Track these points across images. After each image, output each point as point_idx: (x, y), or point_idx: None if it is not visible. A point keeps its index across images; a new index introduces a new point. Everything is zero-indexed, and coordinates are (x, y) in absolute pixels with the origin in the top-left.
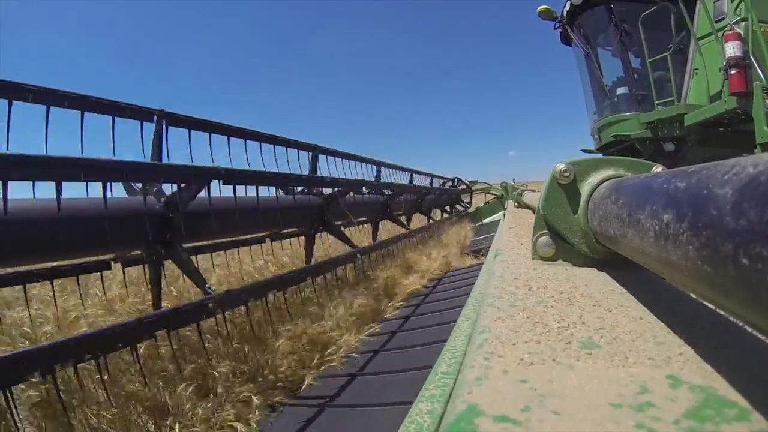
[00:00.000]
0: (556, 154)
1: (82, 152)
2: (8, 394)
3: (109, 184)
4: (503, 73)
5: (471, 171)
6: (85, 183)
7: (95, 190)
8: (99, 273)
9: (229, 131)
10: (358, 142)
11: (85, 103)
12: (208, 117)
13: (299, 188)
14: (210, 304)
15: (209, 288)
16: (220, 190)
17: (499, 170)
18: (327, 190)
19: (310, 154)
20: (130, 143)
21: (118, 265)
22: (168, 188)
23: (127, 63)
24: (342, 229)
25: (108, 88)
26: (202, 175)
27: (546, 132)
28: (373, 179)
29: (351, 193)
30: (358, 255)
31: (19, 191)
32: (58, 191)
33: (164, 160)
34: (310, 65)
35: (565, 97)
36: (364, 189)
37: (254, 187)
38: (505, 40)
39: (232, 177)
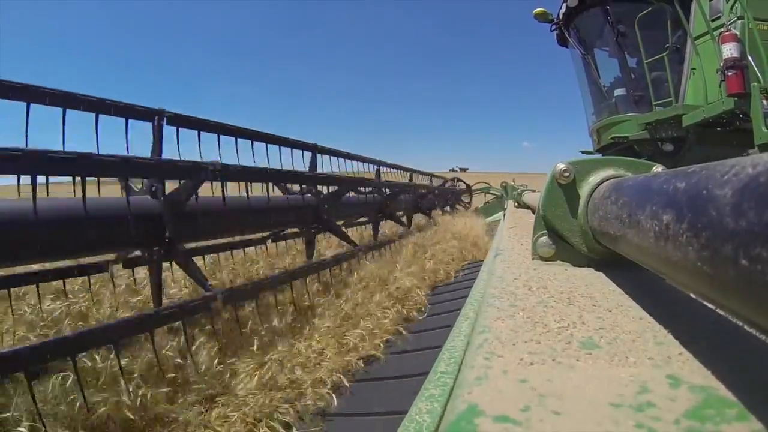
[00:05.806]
0: (571, 145)
1: (98, 151)
2: None
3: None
4: (520, 61)
5: (481, 161)
6: (82, 184)
7: (93, 191)
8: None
9: (228, 130)
10: (364, 131)
11: (100, 106)
12: (207, 104)
13: (297, 187)
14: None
15: (209, 286)
16: (212, 191)
17: (512, 161)
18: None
19: (311, 153)
20: (134, 143)
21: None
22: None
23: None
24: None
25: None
26: (198, 172)
27: (561, 124)
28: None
29: (351, 192)
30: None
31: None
32: (84, 187)
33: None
34: (320, 41)
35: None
36: (362, 189)
37: (247, 185)
38: (526, 28)
39: (229, 173)
